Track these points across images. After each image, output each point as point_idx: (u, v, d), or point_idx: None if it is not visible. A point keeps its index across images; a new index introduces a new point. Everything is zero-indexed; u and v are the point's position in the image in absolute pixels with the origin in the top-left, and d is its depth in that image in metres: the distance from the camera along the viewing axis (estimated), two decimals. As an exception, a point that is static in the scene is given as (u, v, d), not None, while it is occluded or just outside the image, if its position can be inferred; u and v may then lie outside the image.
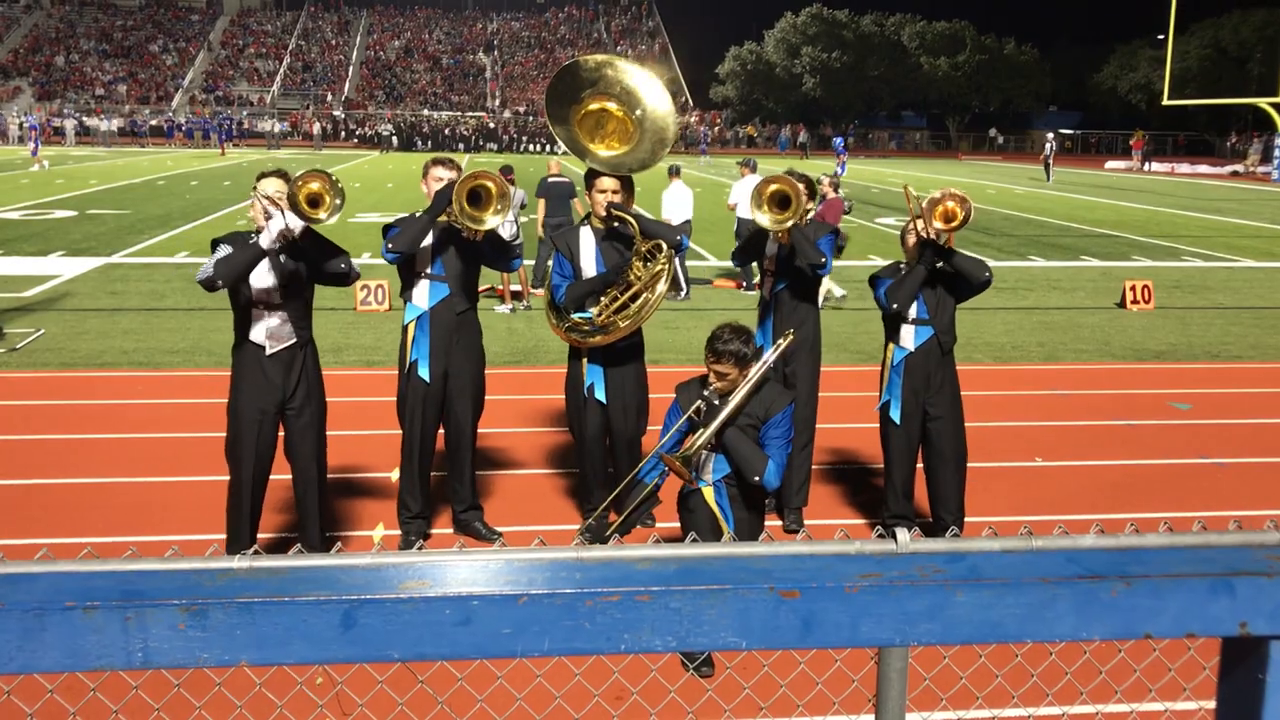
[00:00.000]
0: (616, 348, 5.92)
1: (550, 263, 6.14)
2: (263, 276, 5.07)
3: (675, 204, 14.16)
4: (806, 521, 6.34)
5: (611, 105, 6.04)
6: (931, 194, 5.60)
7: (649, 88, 6.08)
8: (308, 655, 1.27)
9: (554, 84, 6.05)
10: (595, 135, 6.04)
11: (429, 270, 5.67)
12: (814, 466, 7.09)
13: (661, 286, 5.75)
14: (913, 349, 5.72)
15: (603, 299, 5.80)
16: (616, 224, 5.83)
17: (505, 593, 1.28)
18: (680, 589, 1.30)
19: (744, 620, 1.31)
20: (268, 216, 4.94)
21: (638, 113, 6.03)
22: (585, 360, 5.97)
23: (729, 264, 16.13)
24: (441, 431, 5.97)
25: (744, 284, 14.89)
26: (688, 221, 14.12)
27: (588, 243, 5.91)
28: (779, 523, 6.32)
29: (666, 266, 5.77)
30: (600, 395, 5.98)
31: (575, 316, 5.86)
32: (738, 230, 14.80)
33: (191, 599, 1.25)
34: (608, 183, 5.84)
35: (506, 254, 5.82)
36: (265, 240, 4.92)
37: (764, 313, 6.30)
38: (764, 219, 5.79)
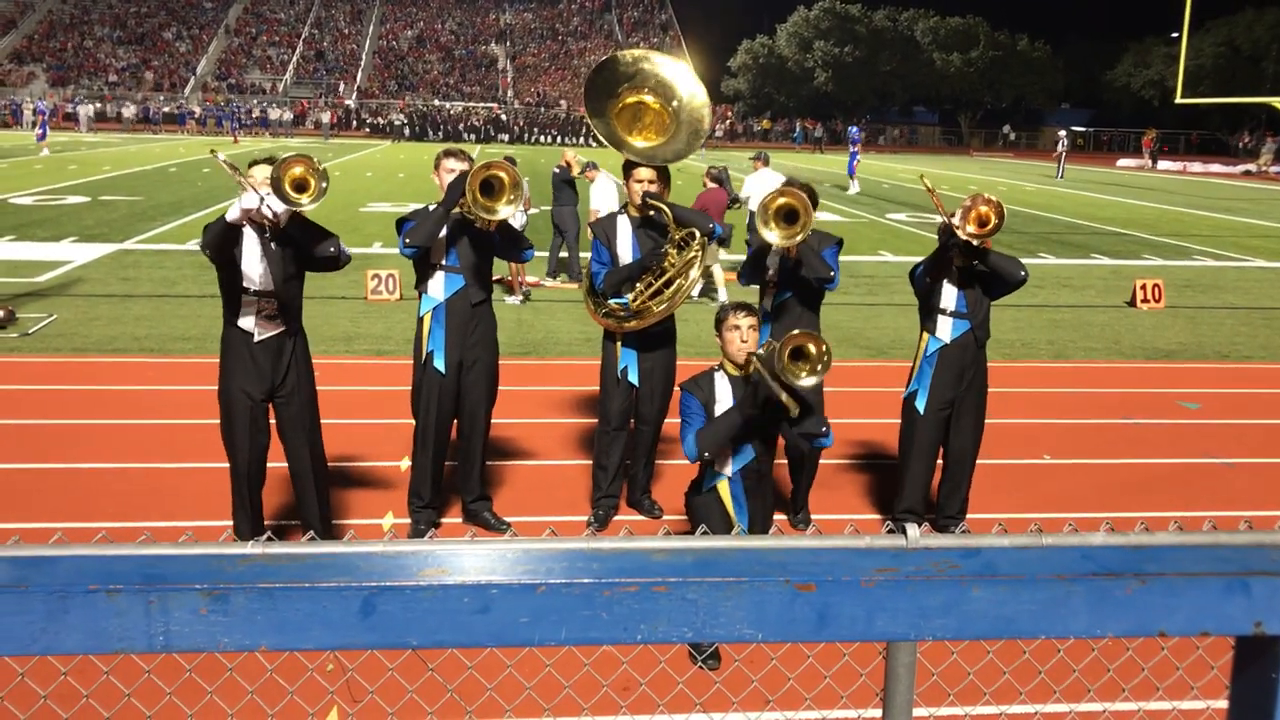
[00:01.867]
0: (650, 334, 6.02)
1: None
2: (253, 264, 5.07)
3: (602, 195, 13.57)
4: (819, 515, 6.36)
5: (648, 98, 6.12)
6: (964, 201, 5.56)
7: (683, 79, 6.19)
8: (327, 641, 1.28)
9: (592, 78, 6.15)
10: (633, 128, 6.13)
11: (444, 262, 5.70)
12: (824, 461, 7.10)
13: (694, 273, 5.86)
14: (949, 341, 5.74)
15: (638, 285, 5.87)
16: (652, 213, 5.90)
17: (524, 582, 1.29)
18: (697, 580, 1.31)
19: (760, 613, 1.32)
20: (244, 190, 4.94)
21: (674, 104, 6.11)
22: (620, 344, 6.04)
23: (733, 257, 16.11)
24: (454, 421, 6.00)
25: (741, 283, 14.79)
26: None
27: (624, 231, 6.00)
28: (783, 516, 6.34)
29: (699, 254, 5.84)
30: (633, 377, 6.07)
31: (612, 302, 5.94)
32: (750, 225, 14.76)
33: (213, 584, 1.26)
34: (644, 173, 5.93)
35: (518, 245, 5.84)
36: (230, 214, 4.90)
37: (763, 321, 6.26)
38: (772, 235, 5.58)
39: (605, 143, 6.11)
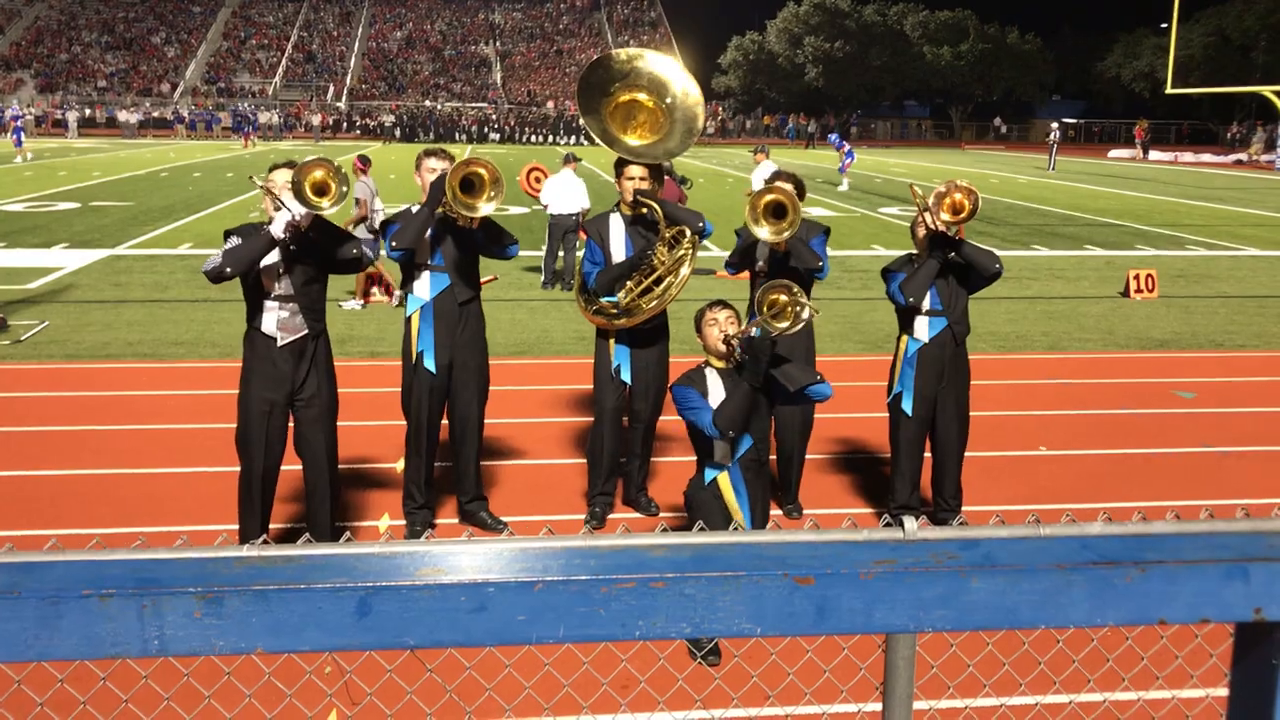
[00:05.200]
0: (643, 331, 6.01)
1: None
2: (272, 268, 5.07)
3: (563, 193, 13.42)
4: (816, 510, 6.37)
5: (642, 96, 6.10)
6: (938, 187, 5.58)
7: (676, 76, 6.16)
8: (323, 642, 1.28)
9: (585, 76, 6.12)
10: (627, 126, 6.10)
11: (429, 261, 5.70)
12: (820, 455, 7.10)
13: (685, 270, 5.87)
14: (927, 340, 5.72)
15: (628, 283, 5.87)
16: (644, 210, 5.89)
17: (520, 579, 1.28)
18: (695, 576, 1.30)
19: (758, 607, 1.31)
20: (277, 208, 4.96)
21: (668, 100, 6.09)
22: (613, 341, 6.03)
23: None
24: (445, 422, 5.99)
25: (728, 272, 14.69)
26: (584, 213, 13.45)
27: (617, 229, 6.00)
28: (777, 512, 6.35)
29: (690, 251, 5.84)
30: (625, 375, 6.05)
31: (603, 300, 5.94)
32: None
33: (207, 587, 1.26)
34: (635, 170, 5.94)
35: (500, 241, 5.82)
36: (276, 229, 4.93)
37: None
38: (763, 232, 5.60)
39: (598, 141, 6.12)
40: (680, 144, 6.09)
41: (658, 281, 5.84)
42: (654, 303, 5.83)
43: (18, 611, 1.23)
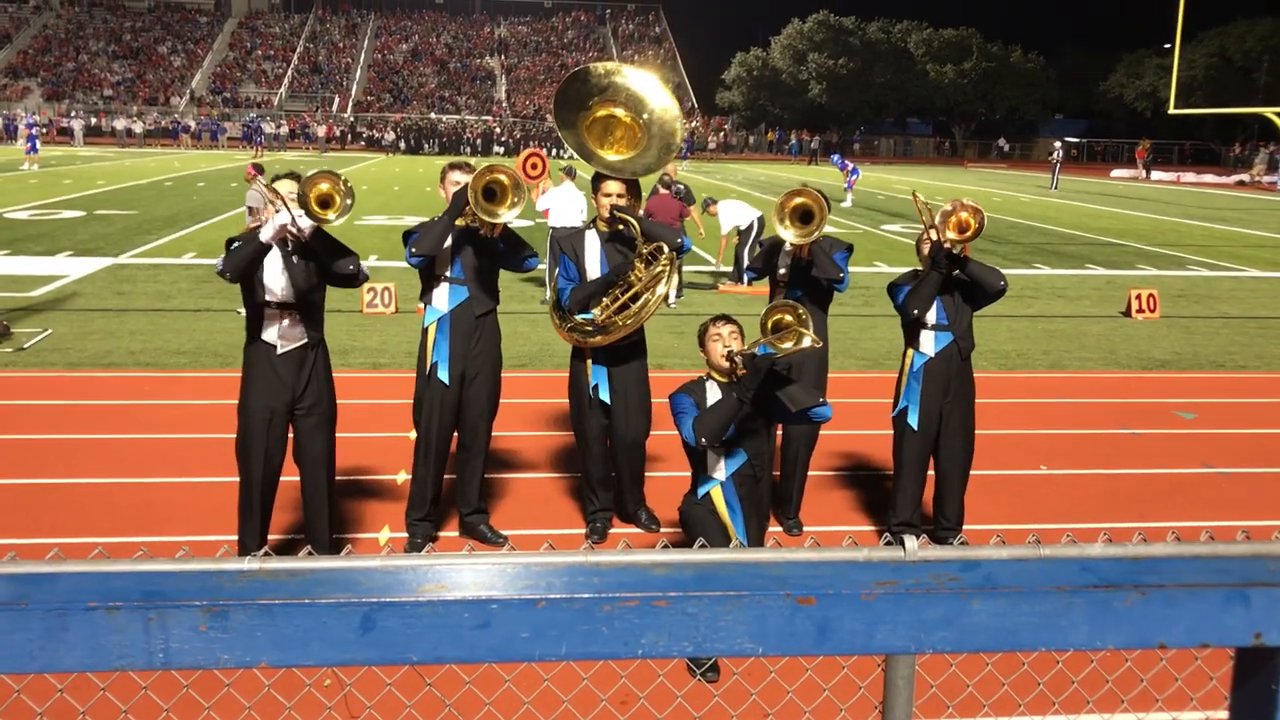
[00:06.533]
0: (620, 349, 5.97)
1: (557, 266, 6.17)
2: (275, 276, 5.10)
3: (564, 206, 13.21)
4: (816, 527, 6.37)
5: (619, 112, 6.10)
6: (944, 206, 5.62)
7: (654, 92, 6.15)
8: (327, 657, 1.28)
9: (562, 90, 6.11)
10: (604, 141, 6.10)
11: (448, 273, 5.72)
12: (820, 471, 7.10)
13: (662, 288, 5.81)
14: (933, 354, 5.75)
15: (604, 299, 5.85)
16: (620, 226, 5.88)
17: (524, 597, 1.29)
18: (697, 595, 1.31)
19: (760, 626, 1.32)
20: (278, 210, 4.99)
21: (644, 117, 6.08)
22: (590, 361, 6.01)
23: (731, 268, 16.13)
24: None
25: (745, 281, 14.66)
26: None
27: (592, 245, 5.97)
28: (776, 528, 6.34)
29: (667, 268, 5.81)
30: (604, 396, 6.02)
31: (578, 317, 5.91)
32: (737, 254, 14.80)
33: (213, 600, 1.26)
34: (612, 186, 5.91)
35: (520, 252, 5.83)
36: (265, 234, 4.95)
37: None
38: (788, 234, 5.81)
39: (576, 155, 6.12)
40: (658, 160, 6.10)
41: (635, 298, 5.78)
42: (631, 320, 5.77)
43: (24, 623, 1.24)
